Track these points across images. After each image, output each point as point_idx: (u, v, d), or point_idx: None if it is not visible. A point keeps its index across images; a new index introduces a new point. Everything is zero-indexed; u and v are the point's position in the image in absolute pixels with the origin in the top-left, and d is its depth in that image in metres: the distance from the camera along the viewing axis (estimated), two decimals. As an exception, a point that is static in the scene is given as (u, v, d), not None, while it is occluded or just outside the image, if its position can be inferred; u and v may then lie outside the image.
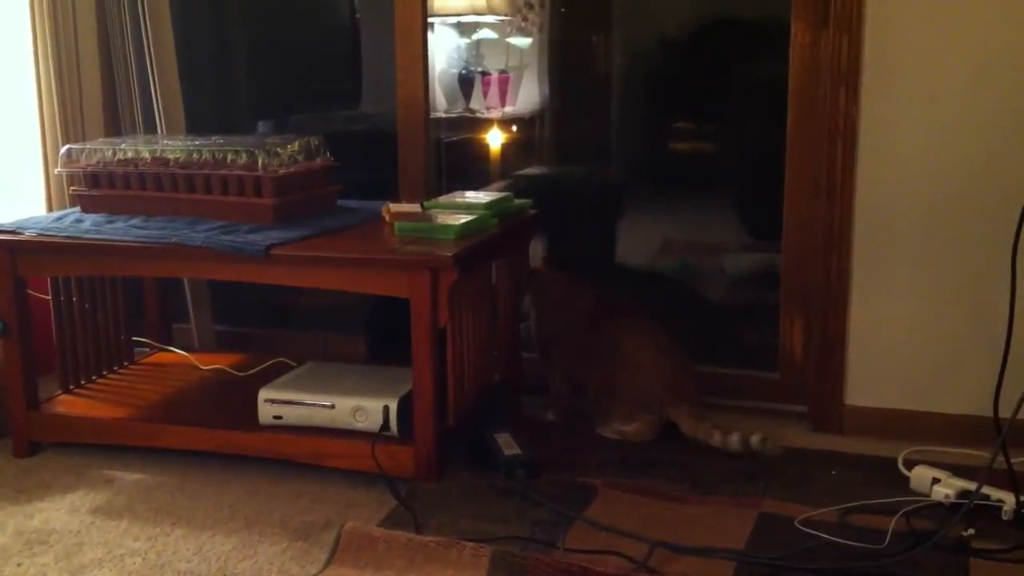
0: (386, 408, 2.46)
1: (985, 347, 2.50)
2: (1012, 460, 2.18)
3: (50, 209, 3.14)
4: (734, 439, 2.56)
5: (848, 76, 2.61)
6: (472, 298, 2.58)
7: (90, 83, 3.27)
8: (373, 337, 3.27)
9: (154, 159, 2.72)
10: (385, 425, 2.46)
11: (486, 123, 3.70)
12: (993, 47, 2.50)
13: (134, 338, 3.16)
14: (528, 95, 3.71)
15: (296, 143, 2.73)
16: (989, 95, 2.52)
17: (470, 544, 2.03)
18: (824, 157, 2.68)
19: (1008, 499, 2.18)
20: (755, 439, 2.55)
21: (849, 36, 2.60)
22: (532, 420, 2.84)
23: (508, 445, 2.49)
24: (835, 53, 2.62)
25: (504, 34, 3.70)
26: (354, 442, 2.45)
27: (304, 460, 2.49)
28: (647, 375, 2.66)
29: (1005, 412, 2.11)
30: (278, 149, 2.66)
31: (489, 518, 2.24)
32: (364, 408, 2.48)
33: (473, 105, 3.73)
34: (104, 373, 3.01)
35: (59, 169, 2.85)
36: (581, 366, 2.76)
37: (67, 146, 2.85)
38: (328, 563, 2.05)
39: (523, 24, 3.65)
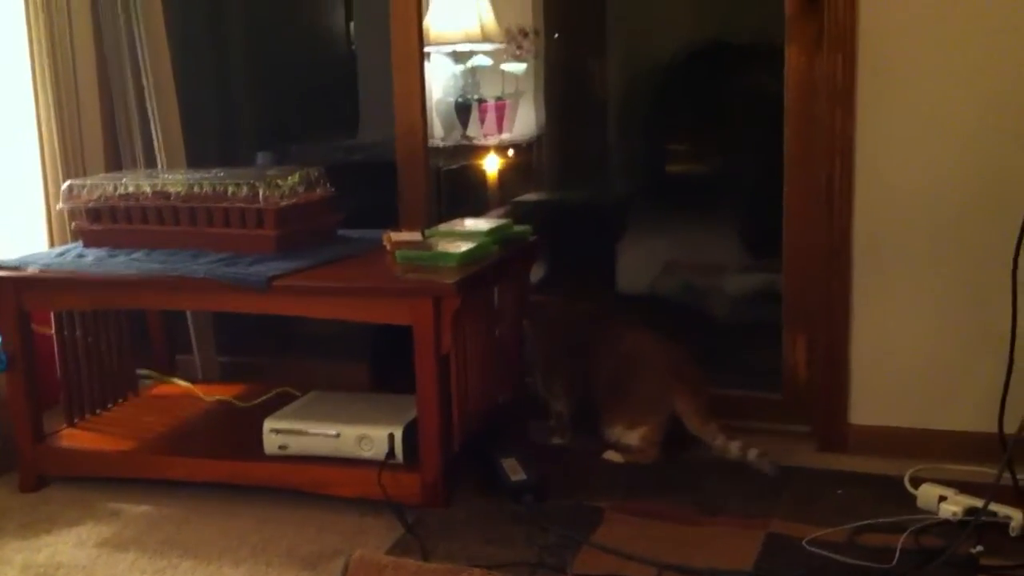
0: (391, 436, 2.46)
1: (988, 363, 2.51)
2: (1018, 476, 2.18)
3: (52, 245, 3.15)
4: (734, 447, 2.58)
5: (844, 96, 2.62)
6: (475, 324, 2.58)
7: (90, 118, 3.29)
8: (376, 365, 3.27)
9: (155, 193, 2.72)
10: (391, 453, 2.46)
11: (484, 150, 3.72)
12: (988, 63, 2.51)
13: (138, 370, 3.16)
14: (525, 121, 3.73)
15: (296, 174, 2.73)
16: (985, 111, 2.53)
17: (478, 570, 2.02)
18: (822, 176, 2.69)
19: (1016, 515, 2.18)
20: (753, 452, 2.56)
21: (843, 56, 2.61)
22: (538, 445, 2.83)
23: (514, 470, 2.49)
24: (830, 73, 2.63)
25: (499, 61, 3.73)
26: (360, 470, 2.45)
27: (310, 489, 2.49)
28: (651, 369, 2.67)
29: (1010, 428, 2.12)
30: (278, 181, 2.67)
31: (497, 543, 2.23)
32: (369, 436, 2.48)
33: (470, 132, 3.75)
34: (108, 406, 3.01)
35: (61, 205, 2.86)
36: (584, 378, 2.77)
37: (68, 182, 2.85)
38: (337, 592, 2.05)
39: (517, 52, 3.68)
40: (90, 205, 2.78)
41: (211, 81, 3.84)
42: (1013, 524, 2.17)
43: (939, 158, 2.59)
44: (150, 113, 3.23)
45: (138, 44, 3.20)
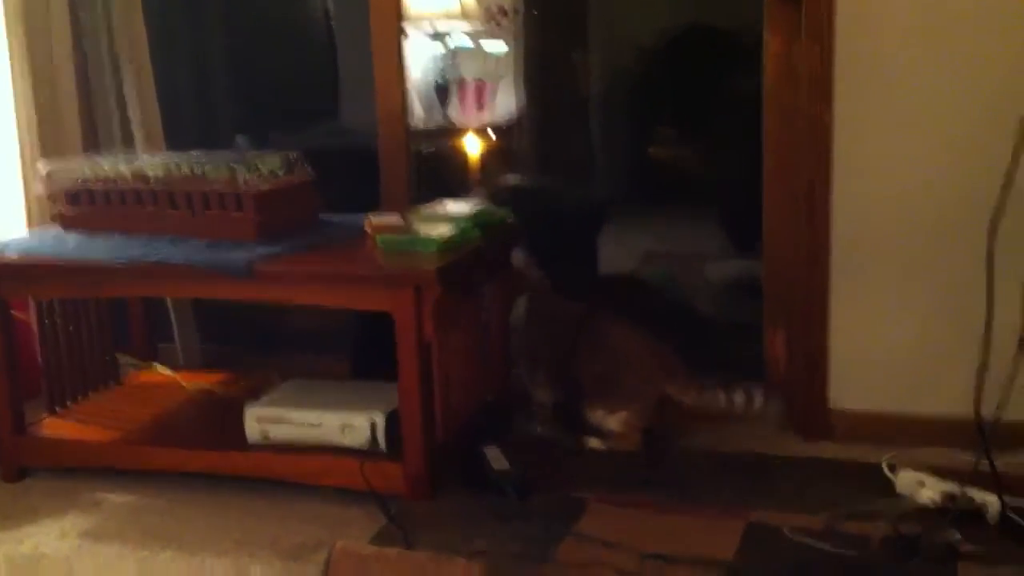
0: (373, 424, 2.46)
1: (966, 349, 2.52)
2: (996, 462, 2.20)
3: (30, 227, 3.12)
4: (738, 399, 2.64)
5: (822, 85, 2.61)
6: (458, 312, 2.57)
7: (67, 101, 3.24)
8: (358, 355, 3.26)
9: (134, 176, 2.69)
10: (373, 441, 2.46)
11: (463, 132, 3.71)
12: (968, 55, 2.52)
13: (119, 357, 3.14)
14: (505, 103, 3.71)
15: (276, 158, 2.70)
16: (964, 102, 2.54)
17: (461, 559, 2.04)
18: (802, 166, 2.69)
19: (993, 501, 2.20)
20: (758, 399, 2.64)
21: (821, 45, 2.59)
22: (522, 435, 2.82)
23: (498, 461, 2.49)
24: (808, 62, 2.62)
25: (479, 41, 3.71)
26: (344, 460, 2.44)
27: (294, 480, 2.48)
28: (635, 359, 2.69)
29: (987, 412, 2.15)
30: (258, 164, 2.63)
31: (481, 534, 2.23)
32: (351, 424, 2.47)
33: (450, 113, 3.73)
34: (89, 394, 2.99)
35: (38, 188, 2.83)
36: (568, 369, 2.78)
37: (46, 164, 2.82)
38: (321, 583, 2.06)
39: (496, 30, 3.66)
40: (68, 188, 2.75)
41: (190, 63, 3.81)
42: (991, 510, 2.20)
43: (918, 150, 2.59)
44: (128, 95, 3.20)
45: (115, 25, 3.16)
